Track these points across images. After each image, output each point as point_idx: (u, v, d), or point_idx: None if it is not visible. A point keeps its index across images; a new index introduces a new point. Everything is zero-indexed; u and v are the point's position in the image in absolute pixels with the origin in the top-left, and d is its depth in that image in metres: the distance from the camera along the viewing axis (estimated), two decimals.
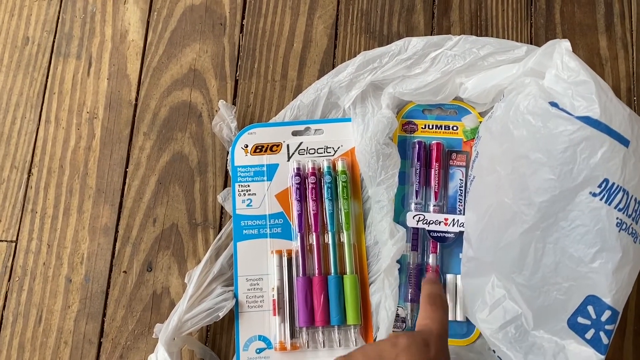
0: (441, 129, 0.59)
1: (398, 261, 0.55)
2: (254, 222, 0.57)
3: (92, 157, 0.62)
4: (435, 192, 0.57)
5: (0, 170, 0.62)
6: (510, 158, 0.47)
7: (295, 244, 0.56)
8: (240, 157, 0.59)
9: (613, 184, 0.43)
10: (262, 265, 0.56)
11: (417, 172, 0.57)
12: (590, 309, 0.43)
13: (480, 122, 0.59)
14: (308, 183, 0.57)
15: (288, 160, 0.59)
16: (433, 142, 0.58)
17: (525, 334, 0.46)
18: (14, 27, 0.66)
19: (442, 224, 0.56)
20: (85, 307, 0.59)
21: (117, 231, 0.60)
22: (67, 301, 0.59)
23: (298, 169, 0.58)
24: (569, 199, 0.43)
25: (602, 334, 0.43)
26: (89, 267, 0.60)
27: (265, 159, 0.59)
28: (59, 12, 0.66)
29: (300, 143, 0.59)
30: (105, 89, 0.64)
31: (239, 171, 0.58)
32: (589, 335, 0.43)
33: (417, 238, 0.56)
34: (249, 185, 0.58)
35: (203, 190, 0.61)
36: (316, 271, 0.55)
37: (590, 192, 0.43)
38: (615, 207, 0.43)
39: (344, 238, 0.56)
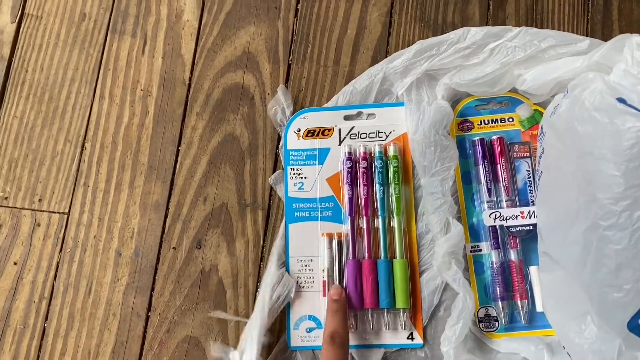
0: (497, 122, 0.59)
1: (479, 262, 0.56)
2: (305, 205, 0.58)
3: (145, 134, 0.63)
4: (505, 187, 0.57)
5: (54, 144, 0.63)
6: (575, 155, 0.46)
7: (345, 228, 0.57)
8: (293, 141, 0.59)
9: None
10: (312, 247, 0.57)
11: (486, 169, 0.57)
12: None
13: (535, 110, 0.58)
14: (359, 167, 0.58)
15: (340, 145, 0.59)
16: (494, 137, 0.58)
17: (592, 332, 0.46)
18: (71, 3, 0.66)
19: (518, 217, 0.56)
20: (134, 281, 0.60)
21: (167, 208, 0.61)
22: (116, 274, 0.60)
23: (349, 153, 0.58)
24: (634, 196, 0.43)
25: None
26: (139, 242, 0.61)
27: (317, 142, 0.59)
28: None
29: (352, 127, 0.59)
30: (159, 68, 0.64)
31: (291, 154, 0.59)
32: None
33: (497, 236, 0.56)
34: (300, 169, 0.59)
35: (253, 172, 0.61)
36: (366, 255, 0.56)
37: None
38: None
39: (394, 223, 0.56)
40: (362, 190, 0.57)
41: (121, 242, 0.61)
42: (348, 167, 0.58)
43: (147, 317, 0.59)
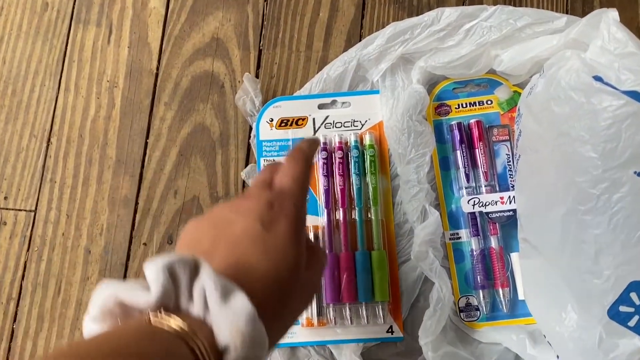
0: (475, 105, 0.57)
1: (459, 250, 0.54)
2: None
3: (112, 127, 0.61)
4: (484, 172, 0.55)
5: (19, 139, 0.61)
6: (552, 136, 0.45)
7: (322, 220, 0.55)
8: (266, 131, 0.57)
9: None
10: None
11: (464, 154, 0.55)
12: (633, 295, 0.41)
13: (514, 92, 0.57)
14: (335, 158, 0.56)
15: (314, 134, 0.57)
16: (472, 120, 0.56)
17: (572, 320, 0.44)
18: None
19: (498, 203, 0.54)
20: (105, 279, 0.58)
21: (137, 203, 0.59)
22: (86, 272, 0.58)
23: (324, 143, 0.56)
24: (612, 179, 0.41)
25: None
26: (109, 238, 0.59)
27: (291, 133, 0.57)
28: None
29: (327, 117, 0.57)
30: (125, 58, 0.62)
31: (264, 146, 0.57)
32: (632, 322, 0.41)
33: (476, 223, 0.54)
34: (274, 160, 0.57)
35: (225, 163, 0.59)
36: (343, 247, 0.54)
37: (635, 172, 0.41)
38: None
39: (372, 214, 0.54)
40: (338, 181, 0.55)
41: (90, 240, 0.59)
42: (323, 158, 0.56)
43: None
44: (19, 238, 0.59)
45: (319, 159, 0.56)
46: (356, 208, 0.55)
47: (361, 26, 0.61)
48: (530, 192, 0.49)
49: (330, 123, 0.57)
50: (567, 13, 0.60)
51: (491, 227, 0.54)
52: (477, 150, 0.56)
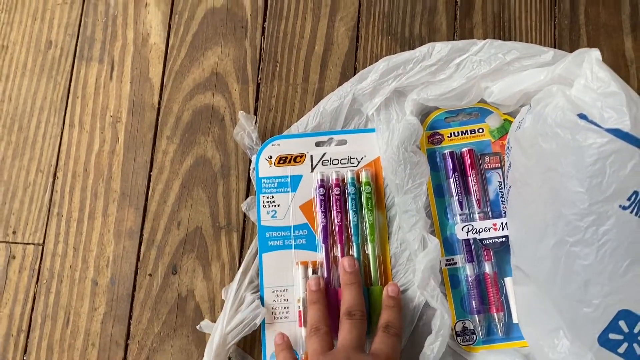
0: (467, 134, 0.59)
1: (455, 275, 0.56)
2: (279, 234, 0.57)
3: (116, 160, 0.63)
4: (477, 199, 0.57)
5: (26, 174, 0.63)
6: (541, 170, 0.47)
7: (320, 256, 0.57)
8: (265, 168, 0.59)
9: None
10: (287, 277, 0.57)
11: (457, 182, 0.57)
12: (622, 323, 0.43)
13: (504, 120, 0.58)
14: (332, 194, 0.57)
15: (312, 171, 0.59)
16: (464, 149, 0.58)
17: (564, 347, 0.46)
18: (36, 31, 0.66)
19: (491, 229, 0.56)
20: (112, 310, 0.60)
21: (141, 234, 0.61)
22: (93, 304, 0.60)
23: (322, 180, 0.58)
24: (599, 212, 0.43)
25: (635, 345, 0.43)
26: (115, 270, 0.61)
27: (289, 170, 0.59)
28: (81, 16, 0.66)
29: (324, 154, 0.59)
30: (127, 93, 0.64)
31: (263, 182, 0.59)
32: (622, 349, 0.43)
33: (471, 249, 0.56)
34: (273, 197, 0.58)
35: (226, 194, 0.61)
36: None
37: (620, 206, 0.43)
38: None
39: (369, 250, 0.56)
40: (335, 217, 0.57)
41: (97, 271, 0.61)
42: (321, 195, 0.57)
43: (127, 346, 0.59)
44: (28, 271, 0.61)
45: (316, 195, 0.57)
46: (353, 244, 0.57)
47: (355, 58, 0.63)
48: (521, 223, 0.51)
49: (328, 160, 0.59)
50: (554, 43, 0.63)
51: (485, 254, 0.56)
52: (469, 178, 0.57)
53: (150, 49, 0.65)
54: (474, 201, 0.57)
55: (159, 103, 0.64)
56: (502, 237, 0.56)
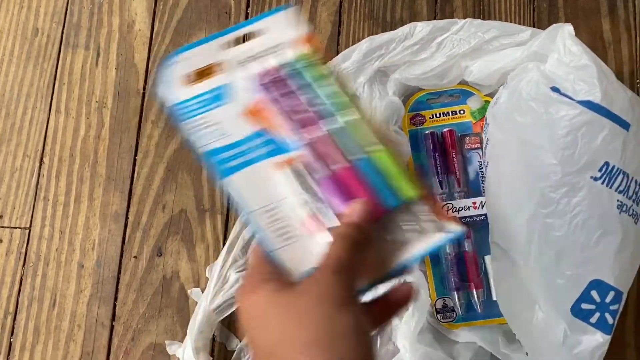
0: (449, 115, 0.60)
1: (436, 253, 0.56)
2: (235, 152, 0.41)
3: (102, 145, 0.63)
4: (457, 179, 0.57)
5: (13, 159, 0.64)
6: (516, 144, 0.47)
7: (295, 153, 0.40)
8: (182, 92, 0.42)
9: (614, 167, 0.43)
10: (269, 193, 0.40)
11: (437, 162, 0.58)
12: (594, 293, 0.44)
13: (485, 102, 0.59)
14: (277, 79, 0.42)
15: (239, 75, 0.42)
16: (445, 130, 0.59)
17: (540, 319, 0.47)
18: (23, 19, 0.67)
19: (471, 208, 0.56)
20: (98, 292, 0.60)
21: (127, 217, 0.62)
22: (79, 286, 0.61)
23: (261, 74, 0.42)
24: (571, 183, 0.44)
25: (607, 315, 0.44)
26: (100, 252, 0.61)
27: (209, 83, 0.43)
28: (67, 3, 0.67)
29: (245, 53, 0.43)
30: (113, 79, 0.65)
31: (186, 106, 0.42)
32: (594, 319, 0.44)
33: None
34: (205, 116, 0.42)
35: (210, 177, 0.62)
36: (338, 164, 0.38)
37: (592, 177, 0.43)
38: (615, 190, 0.44)
39: (345, 117, 0.40)
40: (292, 101, 0.41)
41: (83, 254, 0.61)
42: (264, 89, 0.42)
43: (112, 327, 0.60)
44: (15, 254, 0.62)
45: (259, 93, 0.42)
46: (324, 119, 0.40)
47: (337, 43, 0.64)
48: (498, 198, 0.51)
49: (252, 57, 0.43)
50: (533, 25, 0.63)
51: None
52: (450, 157, 0.58)
53: (135, 36, 0.66)
54: (454, 180, 0.58)
55: (144, 88, 0.64)
56: (481, 215, 0.56)
